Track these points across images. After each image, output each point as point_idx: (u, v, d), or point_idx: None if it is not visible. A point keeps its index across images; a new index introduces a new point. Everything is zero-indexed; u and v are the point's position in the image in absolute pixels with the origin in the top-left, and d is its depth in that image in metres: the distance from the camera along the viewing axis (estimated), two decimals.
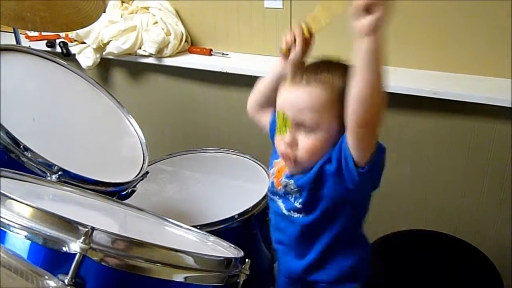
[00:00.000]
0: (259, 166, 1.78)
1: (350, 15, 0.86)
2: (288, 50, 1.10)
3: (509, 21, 1.54)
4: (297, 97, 1.02)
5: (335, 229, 1.11)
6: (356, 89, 0.90)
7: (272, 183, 1.18)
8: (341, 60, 1.06)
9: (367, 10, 0.83)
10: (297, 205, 1.10)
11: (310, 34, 1.09)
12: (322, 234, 1.13)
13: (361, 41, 0.86)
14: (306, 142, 1.03)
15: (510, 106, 1.53)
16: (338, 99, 0.98)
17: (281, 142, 1.07)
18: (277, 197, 1.17)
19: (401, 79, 1.68)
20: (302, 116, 1.02)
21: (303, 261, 1.18)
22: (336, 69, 1.04)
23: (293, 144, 1.04)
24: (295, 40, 1.09)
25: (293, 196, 1.11)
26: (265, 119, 1.24)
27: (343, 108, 0.96)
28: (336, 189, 1.05)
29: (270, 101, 1.19)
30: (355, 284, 1.20)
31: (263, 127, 1.26)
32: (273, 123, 1.18)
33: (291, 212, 1.13)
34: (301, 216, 1.11)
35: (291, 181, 1.10)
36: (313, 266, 1.17)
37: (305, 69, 1.05)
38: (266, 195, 1.61)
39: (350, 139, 0.97)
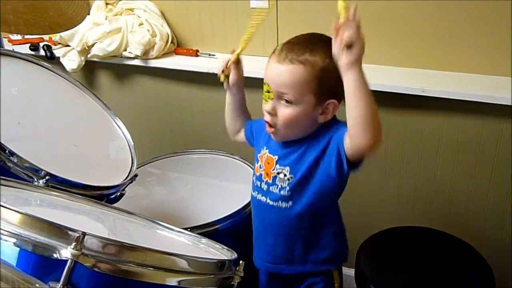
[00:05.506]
0: (248, 167, 1.78)
1: (334, 52, 0.99)
2: (226, 76, 1.29)
3: (498, 19, 1.55)
4: (280, 73, 1.12)
5: (316, 215, 1.22)
6: (354, 117, 1.02)
7: (259, 176, 1.25)
8: (325, 36, 1.12)
9: (349, 46, 0.95)
10: (283, 193, 1.20)
11: (237, 57, 1.29)
12: (306, 224, 1.23)
13: (348, 72, 0.98)
14: (283, 112, 1.14)
15: (498, 103, 1.54)
16: (317, 77, 1.10)
17: (263, 110, 1.18)
18: (261, 193, 1.25)
19: (389, 77, 1.69)
20: (283, 90, 1.12)
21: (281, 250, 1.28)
22: (319, 48, 1.10)
23: (273, 112, 1.15)
24: (226, 65, 1.28)
25: (280, 185, 1.20)
26: (242, 136, 1.42)
27: (321, 85, 1.10)
28: (323, 180, 1.17)
29: (238, 124, 1.41)
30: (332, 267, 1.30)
31: (245, 143, 1.42)
32: (249, 133, 1.38)
33: (279, 202, 1.21)
34: (288, 205, 1.20)
35: (287, 168, 1.19)
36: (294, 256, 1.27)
37: (291, 45, 1.13)
38: None
39: (350, 152, 1.08)
